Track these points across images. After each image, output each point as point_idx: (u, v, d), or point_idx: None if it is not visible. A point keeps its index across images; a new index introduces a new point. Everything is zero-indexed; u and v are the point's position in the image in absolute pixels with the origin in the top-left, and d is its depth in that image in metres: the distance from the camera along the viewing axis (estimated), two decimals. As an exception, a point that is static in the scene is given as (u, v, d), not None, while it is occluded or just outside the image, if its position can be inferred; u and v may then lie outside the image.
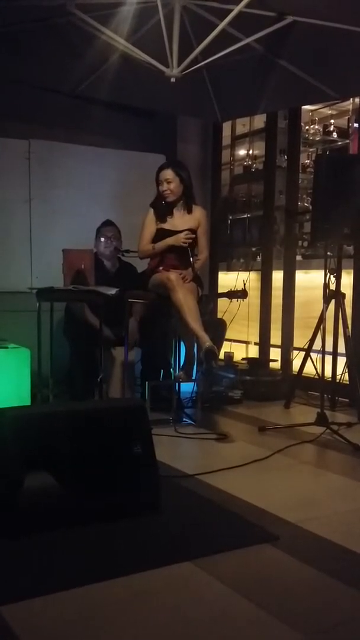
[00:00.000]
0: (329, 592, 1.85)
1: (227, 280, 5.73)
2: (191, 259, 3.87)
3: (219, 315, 5.13)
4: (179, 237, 3.88)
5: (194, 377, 4.06)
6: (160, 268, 3.93)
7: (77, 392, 4.16)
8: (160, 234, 3.97)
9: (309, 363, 4.26)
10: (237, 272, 5.54)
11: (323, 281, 3.86)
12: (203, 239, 4.06)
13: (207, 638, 1.60)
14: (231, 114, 5.13)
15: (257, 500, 2.54)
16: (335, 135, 5.35)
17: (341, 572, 1.95)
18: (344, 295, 4.18)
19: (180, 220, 3.98)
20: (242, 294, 4.50)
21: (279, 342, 5.18)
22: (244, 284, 4.58)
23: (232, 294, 4.49)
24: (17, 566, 1.96)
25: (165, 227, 3.97)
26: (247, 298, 4.66)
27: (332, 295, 4.08)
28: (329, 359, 4.16)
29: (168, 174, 3.95)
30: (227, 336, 5.02)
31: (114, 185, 5.23)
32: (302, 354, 4.36)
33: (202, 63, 3.57)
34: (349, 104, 5.11)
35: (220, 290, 5.76)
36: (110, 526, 2.23)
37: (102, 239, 4.37)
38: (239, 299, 4.54)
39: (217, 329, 4.59)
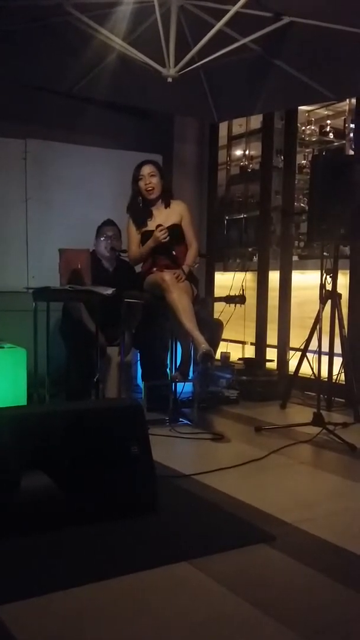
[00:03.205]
0: (325, 591, 1.85)
1: (224, 280, 5.73)
2: (173, 252, 3.86)
3: (216, 316, 5.13)
4: (154, 237, 3.86)
5: (190, 377, 4.06)
6: (154, 269, 3.93)
7: (73, 392, 4.15)
8: (146, 237, 3.96)
9: (305, 363, 4.26)
10: (233, 273, 5.54)
11: (319, 281, 3.87)
12: (189, 231, 4.06)
13: (204, 638, 1.60)
14: (228, 114, 5.13)
15: (253, 501, 2.54)
16: (331, 135, 5.36)
17: (337, 572, 1.96)
18: (340, 295, 4.19)
19: (161, 218, 3.97)
20: (240, 299, 4.51)
21: (275, 342, 5.19)
22: (243, 290, 4.58)
23: (230, 299, 4.49)
24: (13, 566, 1.96)
25: (148, 229, 3.97)
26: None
27: (329, 295, 4.08)
28: (325, 359, 4.16)
29: (150, 168, 3.98)
30: (223, 336, 5.02)
31: (110, 185, 5.22)
32: (299, 354, 4.36)
33: (199, 63, 3.57)
34: (345, 105, 5.12)
35: (217, 291, 5.78)
36: (106, 526, 2.23)
37: (102, 239, 4.37)
38: (237, 304, 4.54)
39: (213, 330, 4.59)
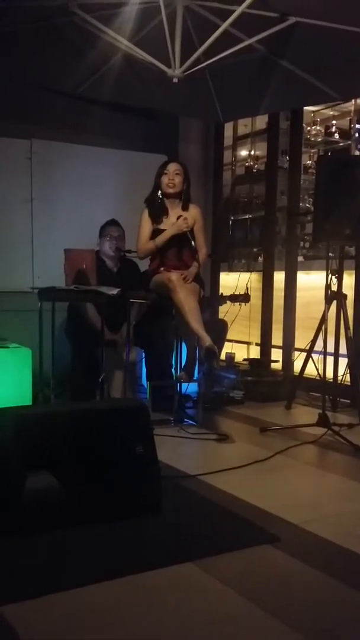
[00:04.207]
0: (330, 592, 1.85)
1: (229, 280, 5.73)
2: (192, 242, 3.89)
3: (220, 316, 5.13)
4: (178, 224, 3.89)
5: (195, 378, 4.06)
6: (162, 269, 3.93)
7: (78, 392, 4.15)
8: (157, 235, 3.97)
9: (310, 364, 4.26)
10: (238, 273, 5.54)
11: (325, 282, 3.86)
12: (200, 237, 4.07)
13: (208, 638, 1.60)
14: (233, 115, 5.12)
15: (258, 501, 2.54)
16: (337, 136, 5.35)
17: (342, 573, 1.95)
18: (345, 296, 4.18)
19: (176, 218, 3.98)
20: (244, 297, 4.53)
21: (280, 343, 5.18)
22: (247, 289, 4.61)
23: (235, 298, 4.51)
24: (19, 566, 1.96)
25: (161, 228, 3.98)
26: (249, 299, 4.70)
27: (334, 296, 4.07)
28: (330, 359, 4.16)
29: (176, 166, 4.03)
30: (228, 337, 5.01)
31: (116, 185, 5.23)
32: (304, 354, 4.35)
33: (205, 64, 3.57)
34: (350, 105, 5.11)
35: (221, 291, 5.77)
36: (111, 526, 2.23)
37: (107, 239, 4.37)
38: (241, 303, 4.56)
39: (218, 330, 4.59)
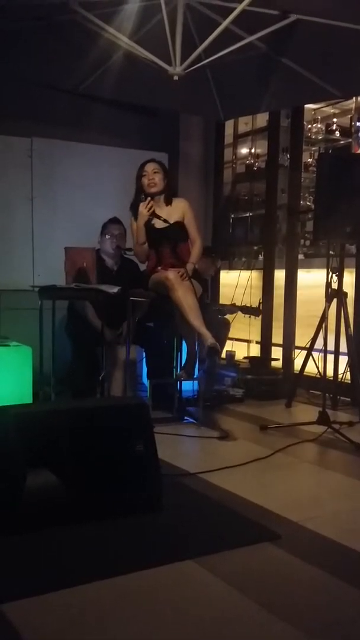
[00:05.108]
0: (330, 590, 1.85)
1: (229, 278, 5.73)
2: (160, 221, 3.88)
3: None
4: (139, 213, 3.90)
5: (195, 376, 4.06)
6: (159, 267, 3.93)
7: (79, 390, 4.15)
8: (150, 232, 3.97)
9: (310, 362, 4.26)
10: (238, 271, 5.54)
11: (325, 280, 3.86)
12: (192, 228, 4.07)
13: (209, 636, 1.60)
14: (234, 112, 5.12)
15: (258, 499, 2.54)
16: (337, 134, 5.35)
17: (343, 571, 1.96)
18: (346, 294, 4.18)
19: (162, 215, 3.98)
20: (255, 311, 4.58)
21: (280, 341, 5.18)
22: (259, 303, 4.66)
23: (246, 310, 4.56)
24: (19, 564, 1.96)
25: (155, 227, 3.97)
26: (249, 297, 4.71)
27: (334, 294, 4.07)
28: (330, 358, 4.16)
29: (154, 165, 4.03)
30: (228, 335, 5.02)
31: (116, 183, 5.21)
32: (304, 352, 4.35)
33: (205, 61, 3.57)
34: (351, 103, 5.11)
35: (222, 289, 5.77)
36: (111, 524, 2.23)
37: (108, 237, 4.36)
38: (252, 315, 4.62)
39: (220, 329, 4.59)
